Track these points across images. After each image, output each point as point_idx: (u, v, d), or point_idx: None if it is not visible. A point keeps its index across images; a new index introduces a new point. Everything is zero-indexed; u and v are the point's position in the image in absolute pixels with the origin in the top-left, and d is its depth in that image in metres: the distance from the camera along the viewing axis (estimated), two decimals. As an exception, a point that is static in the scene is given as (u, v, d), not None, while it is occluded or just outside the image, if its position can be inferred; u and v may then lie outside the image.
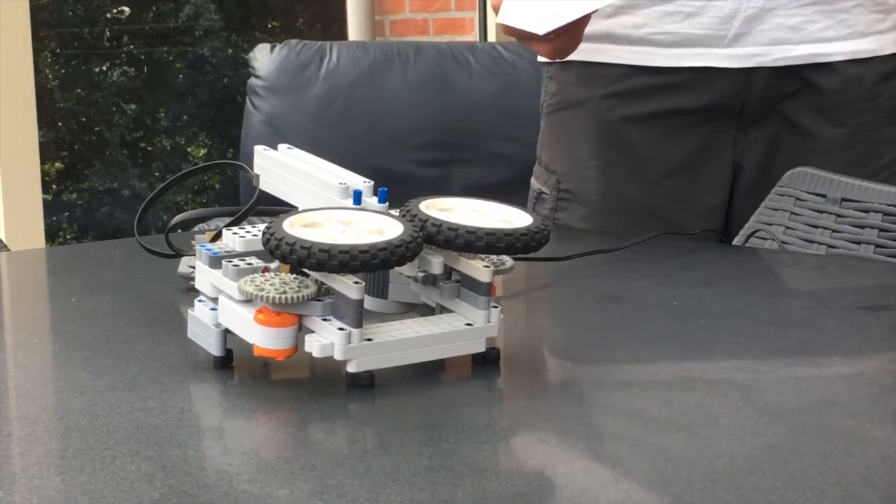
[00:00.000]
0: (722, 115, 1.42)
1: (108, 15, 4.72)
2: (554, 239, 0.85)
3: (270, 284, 0.77)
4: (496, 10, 1.27)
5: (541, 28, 1.22)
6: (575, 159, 1.48)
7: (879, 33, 1.41)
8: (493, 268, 0.82)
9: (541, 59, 1.50)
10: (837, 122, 1.42)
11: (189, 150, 4.84)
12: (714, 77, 1.40)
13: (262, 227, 0.81)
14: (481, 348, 0.83)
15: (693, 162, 1.44)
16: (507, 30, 1.26)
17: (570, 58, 1.41)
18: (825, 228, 1.31)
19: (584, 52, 1.43)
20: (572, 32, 1.27)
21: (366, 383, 0.78)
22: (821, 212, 1.32)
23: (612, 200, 1.46)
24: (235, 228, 0.84)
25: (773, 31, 1.38)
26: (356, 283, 0.77)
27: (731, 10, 1.38)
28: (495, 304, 0.83)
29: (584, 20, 1.27)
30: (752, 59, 1.39)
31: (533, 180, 1.55)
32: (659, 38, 1.40)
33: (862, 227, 1.29)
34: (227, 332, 0.82)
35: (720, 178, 1.44)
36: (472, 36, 4.49)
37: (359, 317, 0.77)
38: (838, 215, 1.31)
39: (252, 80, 3.15)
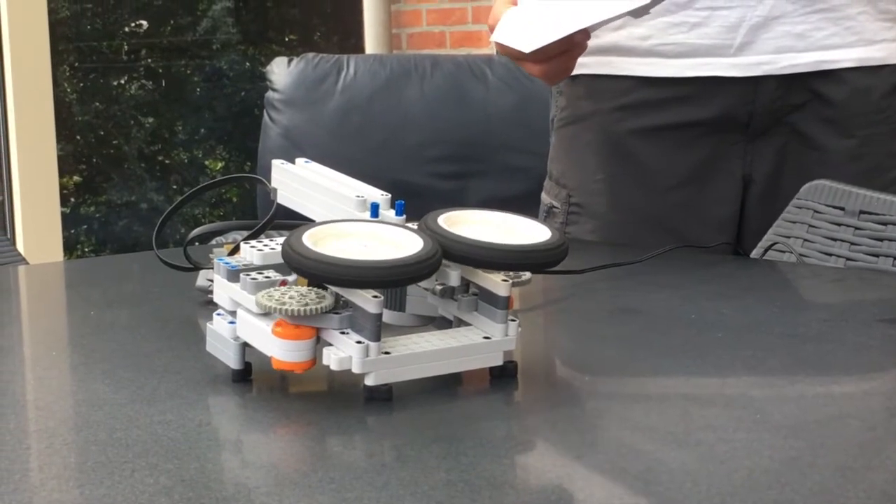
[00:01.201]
0: (729, 127, 1.42)
1: (126, 28, 4.74)
2: (571, 252, 0.85)
3: (288, 297, 0.77)
4: (491, 29, 1.28)
5: (527, 46, 1.23)
6: (584, 173, 1.49)
7: (887, 42, 1.41)
8: (510, 281, 0.82)
9: None
10: (846, 134, 1.41)
11: (206, 163, 4.86)
12: (721, 87, 1.40)
13: (280, 240, 0.81)
14: (499, 361, 0.83)
15: (702, 174, 1.44)
16: (501, 49, 1.27)
17: (577, 72, 1.41)
18: (844, 241, 1.31)
19: (592, 66, 1.43)
20: (564, 57, 1.27)
21: (384, 396, 0.78)
22: (839, 224, 1.32)
23: (621, 213, 1.46)
24: (253, 242, 0.84)
25: (779, 39, 1.38)
26: (375, 296, 0.77)
27: (736, 19, 1.38)
28: (513, 318, 0.83)
29: (579, 47, 1.27)
30: (759, 67, 1.39)
31: (543, 195, 1.56)
32: (665, 48, 1.40)
33: (881, 239, 1.28)
34: (245, 345, 0.82)
35: (730, 189, 1.44)
36: (489, 49, 4.49)
37: (377, 330, 0.77)
38: (857, 228, 1.30)
39: (269, 94, 3.16)
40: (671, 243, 1.32)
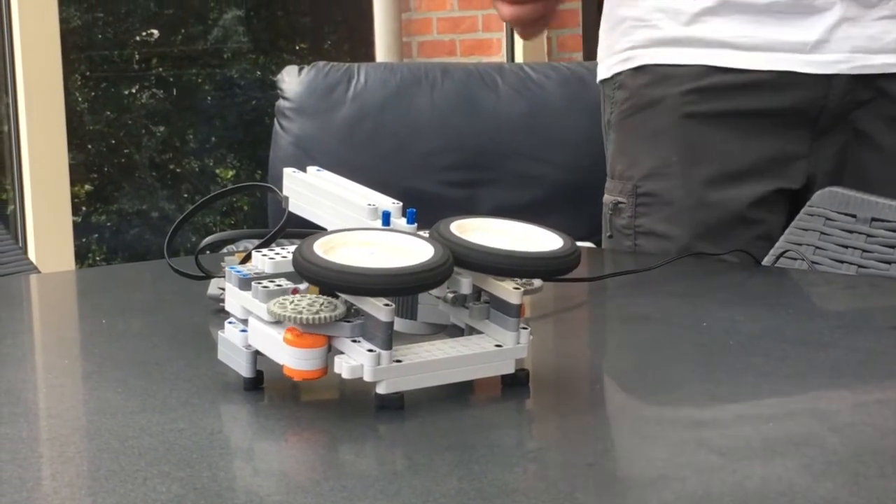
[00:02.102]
0: (799, 121, 1.42)
1: (138, 38, 4.75)
2: (583, 259, 0.85)
3: (300, 306, 0.77)
4: None
5: None
6: (654, 158, 1.48)
7: None
8: (522, 289, 0.82)
9: (602, 76, 1.51)
10: None
11: (217, 171, 4.86)
12: (796, 80, 1.41)
13: (292, 248, 0.81)
14: (511, 369, 0.83)
15: (771, 166, 1.44)
16: None
17: (643, 62, 1.44)
18: (855, 248, 1.31)
19: (659, 56, 1.45)
20: (538, 6, 1.27)
21: (395, 404, 0.78)
22: (851, 232, 1.32)
23: (694, 197, 1.46)
24: (265, 250, 0.84)
25: (853, 40, 1.40)
26: (386, 304, 0.77)
27: (813, 18, 1.39)
28: (524, 325, 0.83)
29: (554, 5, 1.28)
30: (834, 65, 1.40)
31: (606, 196, 1.55)
32: (740, 41, 1.41)
33: (892, 246, 1.28)
34: (257, 353, 0.82)
35: (795, 181, 1.45)
36: (500, 57, 4.50)
37: (388, 338, 0.77)
38: (868, 235, 1.30)
39: (280, 102, 3.16)
40: (740, 231, 1.33)
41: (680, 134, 1.45)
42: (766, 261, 1.36)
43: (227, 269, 0.84)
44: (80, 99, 4.48)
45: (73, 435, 0.77)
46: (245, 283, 0.82)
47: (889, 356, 0.95)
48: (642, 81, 1.49)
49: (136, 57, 4.69)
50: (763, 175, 1.44)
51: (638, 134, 1.50)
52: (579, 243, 0.86)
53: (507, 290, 0.82)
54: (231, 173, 4.86)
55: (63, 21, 3.59)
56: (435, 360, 0.79)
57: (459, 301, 0.85)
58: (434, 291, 0.85)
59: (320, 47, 5.15)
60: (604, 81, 1.54)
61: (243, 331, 0.82)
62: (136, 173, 4.70)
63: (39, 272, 1.46)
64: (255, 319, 0.81)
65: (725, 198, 1.44)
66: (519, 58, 4.38)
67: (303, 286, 0.81)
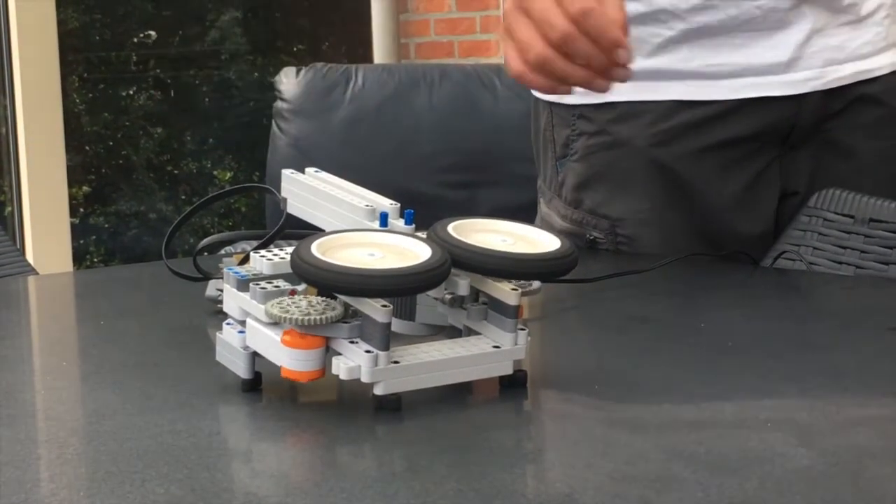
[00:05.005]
0: (770, 142, 1.39)
1: (135, 39, 4.75)
2: (581, 260, 0.85)
3: (297, 307, 0.77)
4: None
5: None
6: (630, 203, 1.42)
7: None
8: (520, 290, 0.82)
9: (552, 98, 1.46)
10: (878, 136, 1.40)
11: (215, 173, 4.86)
12: (767, 104, 1.37)
13: (290, 250, 0.81)
14: (509, 370, 0.83)
15: (748, 194, 1.39)
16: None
17: (611, 98, 1.36)
18: (854, 249, 1.31)
19: (625, 91, 1.34)
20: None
21: (393, 406, 0.78)
22: (849, 233, 1.31)
23: (673, 242, 1.40)
24: (263, 251, 0.84)
25: (824, 53, 1.36)
26: (384, 306, 0.77)
27: (783, 34, 1.35)
28: (522, 327, 0.83)
29: None
30: (807, 83, 1.36)
31: (573, 227, 1.47)
32: (712, 69, 1.36)
33: (891, 247, 1.28)
34: (255, 354, 0.82)
35: (771, 205, 1.41)
36: (498, 58, 4.50)
37: (386, 339, 0.77)
38: (867, 236, 1.30)
39: (278, 104, 3.16)
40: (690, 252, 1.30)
41: (653, 179, 1.40)
42: (765, 262, 1.36)
43: (225, 270, 0.84)
44: (77, 100, 4.48)
45: (72, 437, 0.77)
46: (243, 285, 0.82)
47: (888, 357, 0.95)
48: (608, 117, 1.41)
49: (134, 58, 4.69)
50: (741, 205, 1.40)
51: (609, 173, 1.43)
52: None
53: (505, 291, 0.82)
54: (229, 175, 4.86)
55: (61, 23, 3.59)
56: (433, 362, 0.79)
57: (457, 302, 0.85)
58: (432, 292, 0.85)
59: (318, 49, 5.15)
60: (563, 104, 1.46)
61: (241, 332, 0.82)
62: (133, 175, 4.70)
63: (37, 274, 1.46)
64: (253, 321, 0.81)
65: (705, 240, 1.40)
66: (517, 59, 4.38)
67: (301, 287, 0.81)
